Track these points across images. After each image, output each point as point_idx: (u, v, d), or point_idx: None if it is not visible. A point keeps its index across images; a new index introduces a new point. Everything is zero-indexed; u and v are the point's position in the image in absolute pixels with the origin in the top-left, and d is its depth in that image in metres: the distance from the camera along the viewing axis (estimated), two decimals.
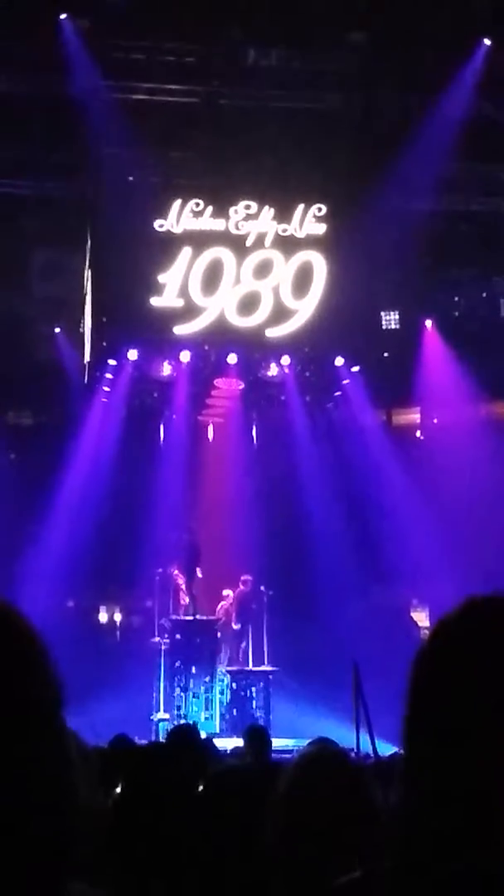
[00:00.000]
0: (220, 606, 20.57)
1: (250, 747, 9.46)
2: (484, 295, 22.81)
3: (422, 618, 23.09)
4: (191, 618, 20.10)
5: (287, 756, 10.91)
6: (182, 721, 18.78)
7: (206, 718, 19.24)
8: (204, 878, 3.02)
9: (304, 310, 20.99)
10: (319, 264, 20.91)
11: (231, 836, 3.07)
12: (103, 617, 23.05)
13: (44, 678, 1.46)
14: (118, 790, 3.45)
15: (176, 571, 20.39)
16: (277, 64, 19.92)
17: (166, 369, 21.94)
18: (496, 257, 22.43)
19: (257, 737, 9.67)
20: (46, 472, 20.67)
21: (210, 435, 23.20)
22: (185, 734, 8.32)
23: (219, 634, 20.20)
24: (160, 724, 18.87)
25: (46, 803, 1.35)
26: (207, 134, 20.16)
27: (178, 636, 19.77)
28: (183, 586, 20.33)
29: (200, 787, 3.32)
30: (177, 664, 19.63)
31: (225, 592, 20.67)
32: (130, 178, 20.48)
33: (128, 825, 3.27)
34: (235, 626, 20.45)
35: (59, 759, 1.40)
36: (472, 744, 1.52)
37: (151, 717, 19.28)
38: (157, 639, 20.05)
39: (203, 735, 17.98)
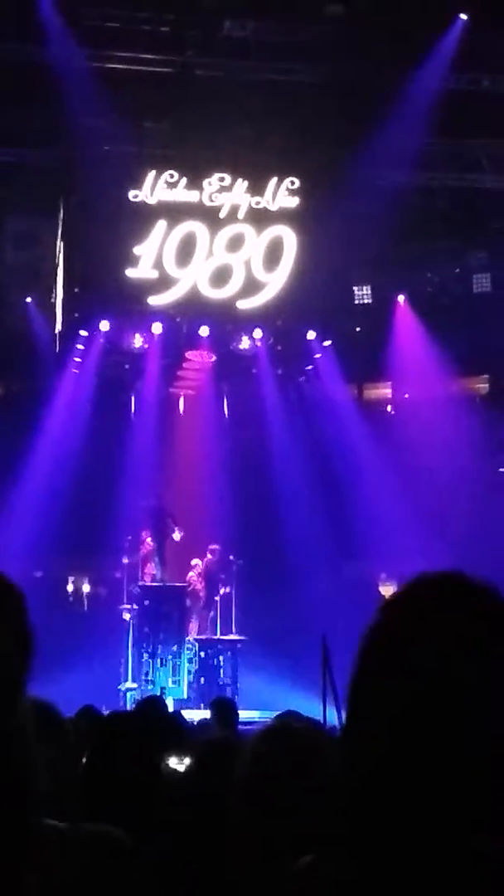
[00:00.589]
0: (189, 575, 20.61)
1: (218, 719, 9.49)
2: (457, 270, 22.81)
3: (390, 591, 23.17)
4: (160, 584, 20.17)
5: (252, 728, 10.98)
6: (150, 687, 18.90)
7: (173, 684, 19.33)
8: (171, 849, 3.03)
9: (274, 283, 21.09)
10: (290, 239, 21.01)
11: (200, 809, 3.08)
12: (72, 587, 23.04)
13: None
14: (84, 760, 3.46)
15: (147, 538, 20.41)
16: (254, 35, 19.80)
17: (138, 341, 21.89)
18: (470, 233, 22.43)
19: (224, 708, 9.70)
20: (16, 442, 20.60)
21: (181, 407, 23.18)
22: (152, 705, 8.33)
23: (188, 602, 20.26)
24: (128, 694, 18.93)
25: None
26: (182, 104, 20.05)
27: (146, 602, 19.83)
28: (153, 553, 20.37)
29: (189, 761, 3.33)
30: (145, 630, 19.68)
31: (194, 562, 20.71)
32: (106, 148, 20.37)
33: (94, 797, 3.28)
34: (203, 595, 20.52)
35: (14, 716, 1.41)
36: (412, 720, 1.51)
37: (119, 687, 19.33)
38: (125, 605, 20.11)
39: (170, 703, 18.18)
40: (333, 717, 11.85)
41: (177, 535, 20.33)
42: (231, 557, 20.50)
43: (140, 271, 20.63)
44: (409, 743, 1.50)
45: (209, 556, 20.67)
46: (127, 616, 20.00)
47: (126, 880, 1.51)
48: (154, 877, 2.55)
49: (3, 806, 1.35)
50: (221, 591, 20.49)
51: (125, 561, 20.38)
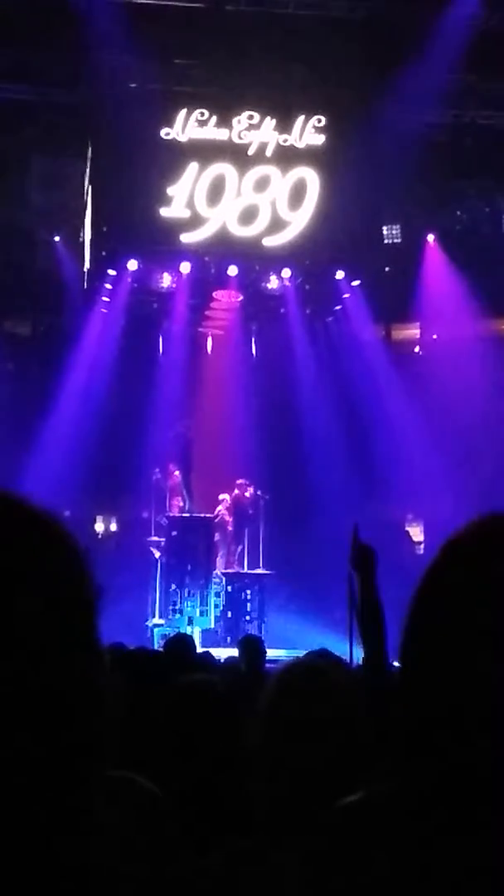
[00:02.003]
0: (217, 509, 20.72)
1: (245, 657, 9.55)
2: (487, 210, 22.64)
3: (416, 532, 23.23)
4: (187, 515, 20.30)
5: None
6: (177, 617, 19.09)
7: (201, 614, 19.50)
8: (191, 784, 3.08)
9: (298, 221, 21.16)
10: (313, 179, 21.07)
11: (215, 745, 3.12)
12: (100, 527, 23.17)
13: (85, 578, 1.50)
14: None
15: (174, 471, 20.52)
16: None
17: (166, 280, 21.88)
18: (500, 172, 22.22)
19: (252, 647, 9.75)
20: (44, 381, 20.68)
21: (209, 347, 23.17)
22: (180, 643, 8.40)
23: (216, 536, 20.39)
24: (155, 630, 19.10)
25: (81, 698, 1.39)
26: (211, 41, 19.87)
27: (174, 533, 19.96)
28: (180, 485, 20.49)
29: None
30: (173, 561, 19.83)
31: (221, 496, 20.81)
32: (133, 86, 20.27)
33: (126, 736, 3.32)
34: (231, 529, 20.66)
35: (95, 660, 1.44)
36: (480, 662, 1.52)
37: (147, 623, 19.51)
38: (153, 537, 20.26)
39: (197, 633, 18.33)
40: (359, 656, 11.91)
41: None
42: (258, 492, 20.61)
43: (173, 210, 20.72)
44: (477, 681, 1.52)
45: (237, 490, 20.79)
46: (156, 553, 20.14)
47: (152, 828, 1.54)
48: (178, 823, 2.59)
49: (77, 742, 1.37)
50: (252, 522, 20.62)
51: (156, 474, 20.41)
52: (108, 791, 1.53)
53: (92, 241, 21.21)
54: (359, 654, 11.60)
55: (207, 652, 11.10)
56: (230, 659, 10.98)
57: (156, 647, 16.41)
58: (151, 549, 20.28)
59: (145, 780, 1.63)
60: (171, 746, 3.13)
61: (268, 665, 9.90)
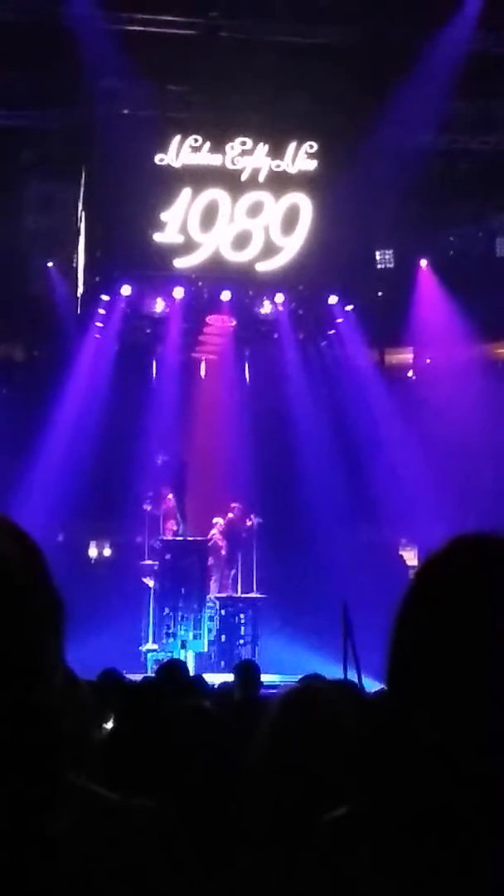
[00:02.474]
0: (211, 532, 20.70)
1: (240, 683, 9.51)
2: (480, 234, 22.71)
3: (411, 556, 23.21)
4: (181, 538, 20.27)
5: (274, 692, 11.01)
6: (171, 641, 19.05)
7: (194, 638, 19.46)
8: (193, 807, 3.06)
9: (291, 247, 21.30)
10: (306, 205, 21.23)
11: (218, 769, 3.11)
12: (93, 552, 23.13)
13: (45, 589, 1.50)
14: (109, 725, 3.50)
15: (168, 495, 20.50)
16: None
17: (159, 305, 21.93)
18: (493, 196, 22.30)
19: (247, 673, 9.70)
20: (38, 406, 20.66)
21: (202, 372, 23.18)
22: (174, 670, 8.37)
23: (209, 560, 20.36)
24: (149, 655, 19.05)
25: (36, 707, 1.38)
26: (205, 68, 19.97)
27: (167, 556, 19.92)
28: (174, 509, 20.47)
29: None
30: (166, 584, 19.79)
31: (215, 520, 20.80)
32: (126, 112, 20.35)
33: (120, 761, 3.31)
34: (225, 553, 20.64)
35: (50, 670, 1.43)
36: (458, 681, 1.54)
37: (140, 648, 19.46)
38: (147, 561, 20.24)
39: (191, 657, 18.29)
40: (354, 680, 11.88)
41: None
42: (252, 516, 20.62)
43: (167, 236, 20.83)
44: (454, 704, 1.53)
45: (230, 514, 20.79)
46: (150, 582, 20.10)
47: (147, 855, 1.53)
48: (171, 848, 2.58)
49: (31, 748, 1.37)
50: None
51: (146, 508, 20.42)
52: (104, 811, 1.52)
53: (86, 266, 21.27)
54: (351, 678, 11.58)
55: (200, 676, 11.05)
56: (224, 684, 10.94)
57: (149, 672, 16.37)
58: (143, 579, 20.23)
59: (144, 802, 1.61)
60: (163, 771, 3.11)
61: (262, 691, 9.86)
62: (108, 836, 1.48)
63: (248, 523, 20.67)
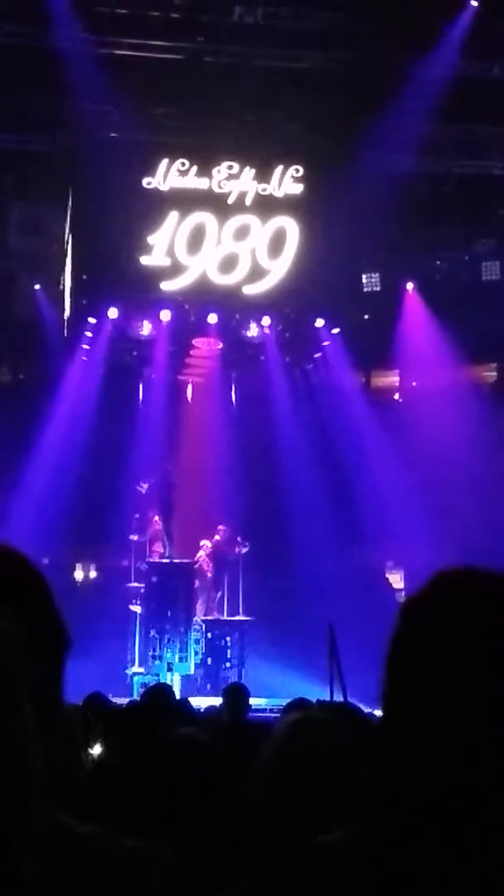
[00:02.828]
0: (198, 555, 20.69)
1: (229, 706, 9.46)
2: (466, 258, 22.78)
3: (397, 579, 23.22)
4: (167, 561, 20.26)
5: (261, 716, 10.99)
6: (157, 663, 19.01)
7: (180, 660, 19.42)
8: (183, 836, 3.04)
9: (278, 270, 21.42)
10: (292, 228, 21.34)
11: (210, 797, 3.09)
12: (79, 574, 23.08)
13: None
14: (97, 750, 3.48)
15: (154, 517, 20.49)
16: (263, 21, 19.75)
17: (146, 328, 21.97)
18: (478, 220, 22.41)
19: (236, 696, 9.64)
20: (24, 429, 20.63)
21: (189, 394, 23.19)
22: (160, 694, 8.34)
23: (196, 582, 20.34)
24: (135, 678, 19.00)
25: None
26: (191, 92, 20.04)
27: (154, 579, 19.92)
28: (161, 532, 20.45)
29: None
30: (153, 606, 19.77)
31: (202, 542, 20.80)
32: (113, 135, 20.42)
33: (109, 787, 3.29)
34: (211, 576, 20.63)
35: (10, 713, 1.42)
36: (449, 714, 1.55)
37: (126, 672, 19.41)
38: (133, 583, 20.21)
39: (177, 679, 18.25)
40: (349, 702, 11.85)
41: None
42: (238, 539, 20.62)
43: (153, 259, 20.92)
44: (449, 738, 1.54)
45: (217, 536, 20.80)
46: (137, 609, 20.07)
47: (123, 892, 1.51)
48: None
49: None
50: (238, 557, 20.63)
51: (133, 538, 20.43)
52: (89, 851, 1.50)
53: (72, 288, 21.30)
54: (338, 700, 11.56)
55: (186, 700, 11.02)
56: (210, 709, 10.91)
57: (135, 695, 16.33)
58: (130, 606, 20.19)
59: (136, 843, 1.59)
60: (154, 802, 3.10)
61: (251, 714, 9.82)
62: (79, 870, 1.47)
63: (236, 549, 20.69)
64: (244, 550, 20.63)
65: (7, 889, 1.35)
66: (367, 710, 11.14)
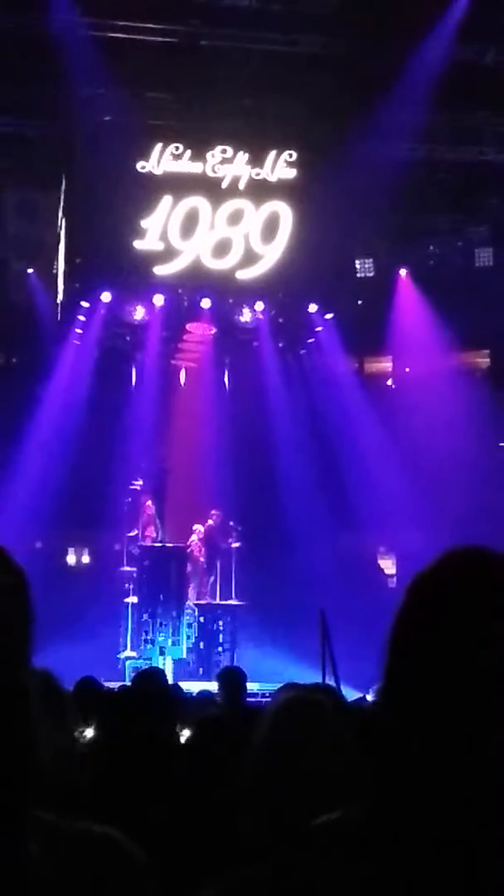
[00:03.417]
0: (191, 539, 20.70)
1: (225, 692, 9.39)
2: (459, 244, 22.77)
3: (388, 565, 23.26)
4: (160, 545, 20.27)
5: (253, 700, 11.01)
6: (149, 647, 19.05)
7: (173, 644, 19.44)
8: (178, 820, 3.06)
9: (271, 255, 21.40)
10: (286, 213, 21.30)
11: (205, 781, 3.11)
12: (72, 559, 23.09)
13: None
14: (89, 733, 3.49)
15: (147, 501, 20.49)
16: (258, 5, 19.70)
17: (139, 313, 21.92)
18: (472, 206, 22.40)
19: (232, 680, 9.54)
20: (17, 413, 20.62)
21: (182, 379, 23.18)
22: (152, 678, 8.35)
23: (188, 567, 20.35)
24: (127, 663, 19.03)
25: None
26: (185, 75, 19.99)
27: (146, 562, 19.92)
28: (153, 516, 20.46)
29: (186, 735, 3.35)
30: (145, 591, 19.78)
31: (195, 527, 20.81)
32: (107, 119, 20.36)
33: (104, 771, 3.30)
34: (204, 560, 20.64)
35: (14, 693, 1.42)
36: (456, 694, 1.56)
37: (118, 656, 19.43)
38: (126, 567, 20.23)
39: (169, 663, 18.27)
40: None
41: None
42: (231, 523, 20.65)
43: (147, 243, 20.89)
44: (451, 720, 1.55)
45: (210, 521, 20.80)
46: (129, 595, 20.08)
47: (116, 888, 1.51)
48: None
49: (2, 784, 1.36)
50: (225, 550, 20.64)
51: (133, 534, 20.41)
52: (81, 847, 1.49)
53: (66, 272, 21.27)
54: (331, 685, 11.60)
55: (177, 685, 11.02)
56: (203, 693, 10.92)
57: (127, 680, 16.34)
58: (126, 600, 20.17)
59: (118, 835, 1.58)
60: (153, 784, 3.11)
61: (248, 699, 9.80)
62: (78, 868, 1.46)
63: (229, 538, 20.69)
64: (235, 545, 20.62)
65: (14, 876, 1.36)
66: (359, 694, 11.18)
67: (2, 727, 1.38)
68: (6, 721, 1.38)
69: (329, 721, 2.71)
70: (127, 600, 20.13)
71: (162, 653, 19.22)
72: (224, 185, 21.05)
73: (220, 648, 19.90)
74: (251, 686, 14.66)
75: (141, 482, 20.51)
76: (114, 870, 1.49)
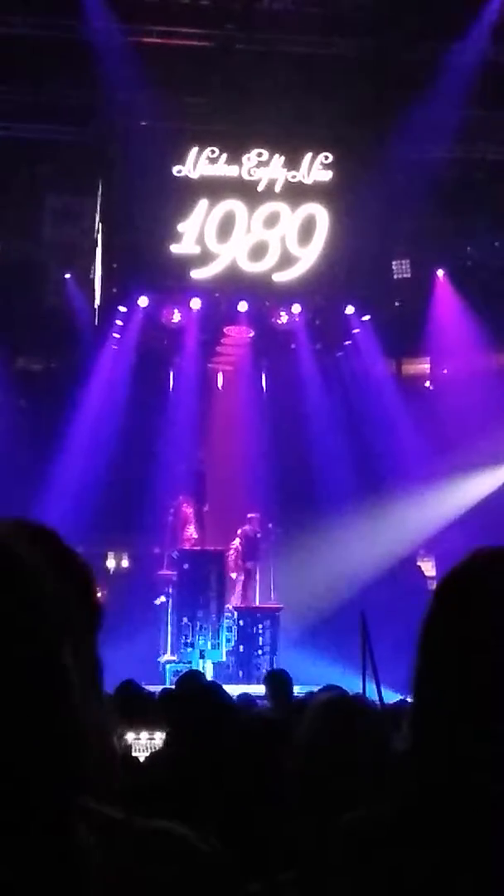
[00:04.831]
0: (233, 543, 20.66)
1: (273, 694, 9.37)
2: (496, 244, 22.68)
3: (428, 567, 23.17)
4: (199, 549, 20.28)
5: (298, 704, 10.98)
6: (189, 650, 19.06)
7: (213, 647, 19.44)
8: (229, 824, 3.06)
9: (308, 257, 21.43)
10: (322, 215, 21.33)
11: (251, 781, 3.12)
12: (111, 563, 23.15)
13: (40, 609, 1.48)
14: (130, 736, 3.50)
15: (185, 505, 20.50)
16: (293, 7, 19.73)
17: (176, 316, 21.97)
18: None
19: (279, 683, 9.52)
20: (56, 418, 20.71)
21: (220, 382, 23.21)
22: (193, 682, 8.36)
23: (228, 571, 20.32)
24: (167, 667, 19.05)
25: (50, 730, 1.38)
26: (220, 79, 20.04)
27: (185, 566, 19.93)
28: (193, 518, 20.47)
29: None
30: (185, 594, 19.79)
31: (238, 531, 20.80)
32: (144, 124, 20.45)
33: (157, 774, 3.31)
34: (243, 564, 20.62)
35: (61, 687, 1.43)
36: (484, 693, 1.56)
37: (159, 660, 19.47)
38: (165, 571, 20.26)
39: (209, 666, 18.26)
40: (373, 693, 11.88)
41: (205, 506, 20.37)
42: (270, 526, 20.64)
43: (183, 247, 20.96)
44: (480, 712, 1.56)
45: (248, 524, 20.79)
46: (168, 599, 20.11)
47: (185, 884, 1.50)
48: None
49: (45, 777, 1.36)
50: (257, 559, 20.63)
51: (171, 517, 20.42)
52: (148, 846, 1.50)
53: (103, 277, 21.37)
54: (370, 691, 11.59)
55: (219, 685, 11.00)
56: (243, 696, 10.91)
57: (168, 683, 16.37)
58: (155, 601, 20.22)
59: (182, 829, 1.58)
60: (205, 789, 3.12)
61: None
62: (141, 863, 1.46)
63: (262, 531, 20.66)
64: (275, 536, 20.56)
65: (71, 874, 1.36)
66: (399, 696, 11.15)
67: (49, 714, 1.39)
68: (50, 710, 1.40)
69: (363, 720, 2.72)
70: (165, 603, 20.15)
71: (202, 656, 19.22)
72: (260, 187, 21.10)
73: (259, 652, 19.88)
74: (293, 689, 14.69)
75: (181, 488, 20.53)
76: (180, 865, 1.49)
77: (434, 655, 1.65)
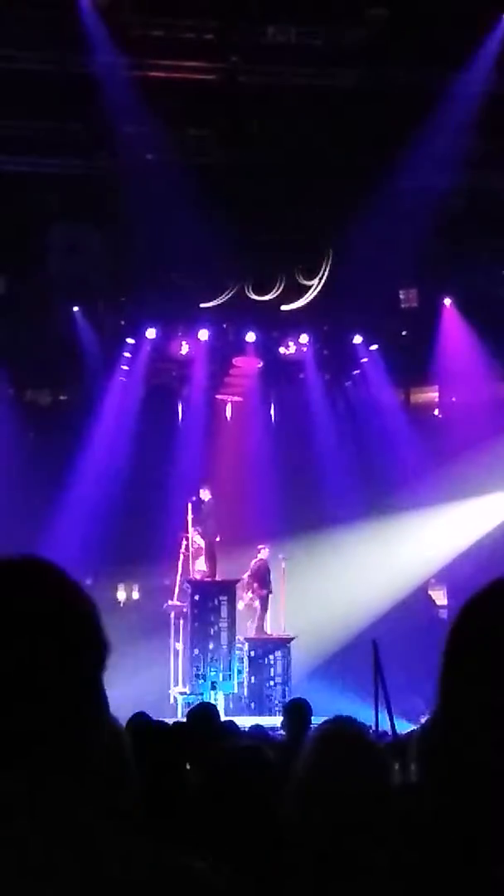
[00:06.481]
0: (242, 576, 20.65)
1: (290, 724, 9.28)
2: (503, 273, 22.71)
3: (439, 596, 23.12)
4: (209, 580, 20.26)
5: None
6: (201, 682, 19.01)
7: (224, 678, 19.40)
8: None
9: (315, 287, 21.31)
10: (327, 244, 21.26)
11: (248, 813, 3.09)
12: (122, 595, 23.12)
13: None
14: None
15: (195, 536, 20.49)
16: (297, 40, 19.81)
17: (184, 348, 22.03)
18: None
19: (299, 713, 9.39)
20: (65, 450, 20.75)
21: (228, 413, 23.24)
22: (204, 715, 8.31)
23: (238, 602, 20.29)
24: (179, 698, 19.00)
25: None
26: (224, 111, 20.11)
27: (196, 597, 19.92)
28: (202, 550, 20.46)
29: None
30: (196, 625, 19.77)
31: (251, 562, 20.79)
32: (149, 157, 20.51)
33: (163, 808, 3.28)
34: (254, 595, 20.58)
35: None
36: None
37: (169, 692, 19.41)
38: (176, 602, 20.23)
39: (221, 698, 18.20)
40: (385, 723, 11.83)
41: (216, 537, 20.36)
42: (280, 556, 20.62)
43: (191, 278, 20.90)
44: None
45: (259, 554, 20.77)
46: (179, 630, 20.09)
47: None
48: None
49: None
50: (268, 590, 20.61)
51: (183, 550, 20.42)
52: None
53: (111, 309, 21.40)
54: (383, 720, 11.54)
55: (231, 721, 10.97)
56: (255, 728, 10.86)
57: (179, 716, 16.31)
58: (173, 612, 20.20)
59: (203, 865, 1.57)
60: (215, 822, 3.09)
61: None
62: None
63: (272, 561, 20.65)
64: (285, 566, 20.54)
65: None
66: (412, 726, 11.10)
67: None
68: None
69: (365, 749, 2.71)
70: (177, 631, 20.13)
71: (214, 687, 19.18)
72: None
73: (271, 682, 19.83)
74: None
75: (190, 517, 20.54)
76: None
77: (456, 682, 1.66)
